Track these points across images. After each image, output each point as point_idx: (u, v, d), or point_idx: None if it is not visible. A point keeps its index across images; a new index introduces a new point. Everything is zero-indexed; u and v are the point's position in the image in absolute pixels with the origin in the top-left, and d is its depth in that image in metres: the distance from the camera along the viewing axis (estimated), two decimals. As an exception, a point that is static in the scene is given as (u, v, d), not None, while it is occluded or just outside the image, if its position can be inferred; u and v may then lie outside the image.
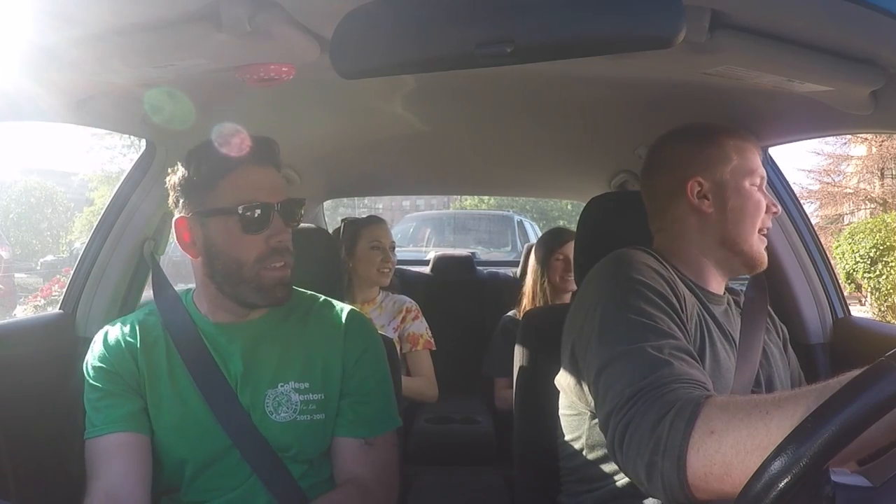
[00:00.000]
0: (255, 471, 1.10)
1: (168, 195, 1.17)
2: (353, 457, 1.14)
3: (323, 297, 1.26)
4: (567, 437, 1.19)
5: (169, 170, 1.17)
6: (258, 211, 1.09)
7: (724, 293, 1.21)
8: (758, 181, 1.16)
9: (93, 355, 1.14)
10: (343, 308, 1.24)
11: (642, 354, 0.90)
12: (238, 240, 1.09)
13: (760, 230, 1.15)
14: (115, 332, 1.16)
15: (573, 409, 1.17)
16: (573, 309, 1.12)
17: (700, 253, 1.17)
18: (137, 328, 1.15)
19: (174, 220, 1.14)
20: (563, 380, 1.16)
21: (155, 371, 1.12)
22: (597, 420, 1.05)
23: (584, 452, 1.15)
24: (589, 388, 1.03)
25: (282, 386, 1.13)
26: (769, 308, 1.28)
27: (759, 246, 1.15)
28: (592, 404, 1.03)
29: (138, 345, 1.13)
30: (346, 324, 1.20)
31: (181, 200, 1.13)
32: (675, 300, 1.03)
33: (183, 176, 1.12)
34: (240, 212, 1.08)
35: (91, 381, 1.12)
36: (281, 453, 1.11)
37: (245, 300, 1.13)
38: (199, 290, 1.19)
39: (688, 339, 0.99)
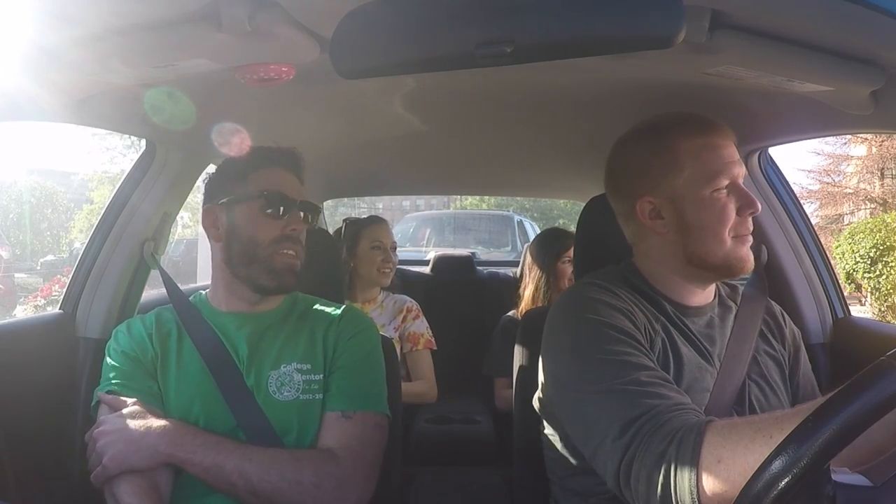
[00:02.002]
0: None
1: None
2: (329, 429, 1.17)
3: (322, 300, 1.35)
4: (548, 452, 1.19)
5: (205, 173, 1.31)
6: (279, 198, 1.22)
7: (713, 298, 1.14)
8: (724, 183, 1.02)
9: (115, 341, 1.24)
10: (341, 305, 1.33)
11: (621, 390, 0.89)
12: (257, 221, 1.22)
13: (737, 235, 1.03)
14: (136, 322, 1.27)
15: (547, 428, 1.16)
16: (542, 350, 1.09)
17: (670, 271, 1.09)
18: (154, 319, 1.26)
19: (203, 208, 1.28)
20: (537, 405, 1.16)
21: (166, 355, 1.21)
22: (569, 441, 1.05)
23: (563, 467, 1.14)
24: (564, 424, 1.02)
25: (284, 367, 1.20)
26: (781, 313, 1.22)
27: (734, 252, 1.03)
28: (563, 430, 1.04)
29: (154, 332, 1.24)
30: (342, 312, 1.30)
31: (212, 192, 1.28)
32: (635, 331, 0.99)
33: (219, 171, 1.29)
34: (264, 196, 1.22)
35: (110, 362, 1.21)
36: (283, 438, 1.15)
37: (257, 282, 1.22)
38: (215, 279, 1.29)
39: (656, 367, 0.96)
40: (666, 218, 1.05)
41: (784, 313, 1.23)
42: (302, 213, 1.25)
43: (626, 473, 0.85)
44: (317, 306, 1.32)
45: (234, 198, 1.23)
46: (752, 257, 1.06)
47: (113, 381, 1.18)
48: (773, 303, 1.25)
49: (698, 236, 1.03)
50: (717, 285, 1.17)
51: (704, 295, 1.13)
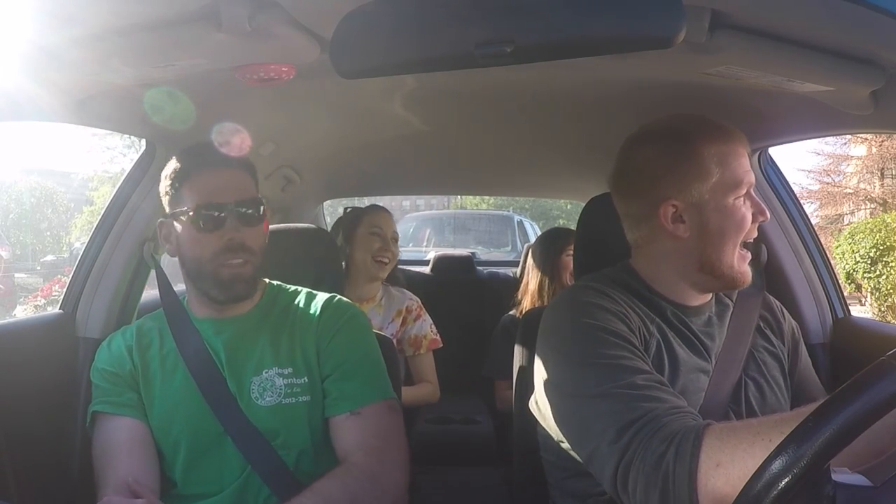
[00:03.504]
0: (248, 459, 1.13)
1: None
2: (342, 431, 1.17)
3: (306, 290, 1.31)
4: (545, 455, 1.19)
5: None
6: (211, 211, 1.16)
7: (710, 299, 1.14)
8: (744, 191, 1.03)
9: (97, 358, 1.23)
10: (323, 295, 1.29)
11: (617, 394, 0.89)
12: (195, 239, 1.18)
13: (743, 243, 1.05)
14: (116, 337, 1.26)
15: (544, 430, 1.16)
16: (537, 353, 1.09)
17: (677, 276, 1.09)
18: (135, 331, 1.25)
19: (157, 224, 1.26)
20: (534, 408, 1.16)
21: (148, 365, 1.20)
22: (565, 444, 1.05)
23: (560, 469, 1.14)
24: (559, 428, 1.02)
25: (266, 372, 1.18)
26: (780, 308, 1.22)
27: (739, 265, 1.05)
28: (559, 433, 1.04)
29: (134, 344, 1.22)
30: (322, 308, 1.25)
31: (162, 206, 1.24)
32: (630, 335, 0.99)
33: (162, 183, 1.23)
34: (192, 213, 1.16)
35: (95, 383, 1.21)
36: (271, 441, 1.15)
37: (209, 295, 1.20)
38: (186, 288, 1.27)
39: (651, 370, 0.96)
40: (687, 222, 1.04)
41: (783, 309, 1.23)
42: (244, 210, 1.17)
43: (623, 477, 0.85)
44: (299, 300, 1.28)
45: (173, 214, 1.20)
46: (749, 274, 1.08)
47: (98, 401, 1.18)
48: (771, 298, 1.25)
49: (717, 243, 1.03)
50: None
51: (704, 295, 1.13)
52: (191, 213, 1.16)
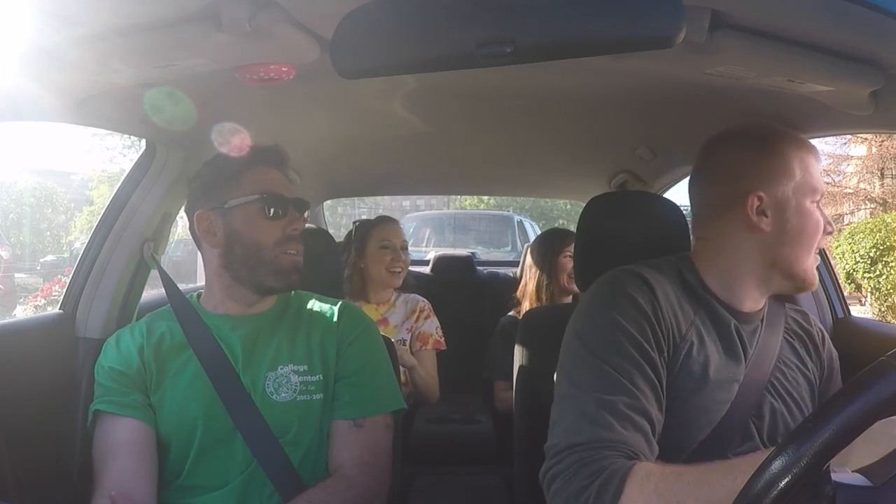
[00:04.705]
0: (255, 455, 1.14)
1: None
2: (342, 440, 1.20)
3: (315, 295, 1.35)
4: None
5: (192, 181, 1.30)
6: (277, 199, 1.22)
7: (763, 307, 1.11)
8: (818, 198, 1.07)
9: (103, 355, 1.23)
10: (336, 301, 1.32)
11: (589, 405, 0.92)
12: (259, 225, 1.21)
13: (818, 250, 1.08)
14: (125, 335, 1.25)
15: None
16: (570, 320, 1.08)
17: (745, 271, 1.08)
18: (145, 328, 1.25)
19: (195, 214, 1.24)
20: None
21: (160, 360, 1.20)
22: None
23: None
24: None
25: (281, 368, 1.20)
26: (820, 332, 1.18)
27: (812, 268, 1.07)
28: None
29: (144, 341, 1.22)
30: (339, 312, 1.29)
31: (202, 197, 1.25)
32: (650, 346, 0.98)
33: (205, 175, 1.26)
34: (262, 199, 1.21)
35: (99, 381, 1.20)
36: (280, 437, 1.16)
37: (262, 284, 1.22)
38: (210, 283, 1.28)
39: (659, 379, 0.97)
40: (769, 217, 1.06)
41: (825, 335, 1.19)
42: (300, 207, 1.26)
43: (548, 484, 0.90)
44: (312, 304, 1.31)
45: (230, 202, 1.21)
46: (817, 277, 1.10)
47: (101, 400, 1.18)
48: (814, 320, 1.21)
49: (794, 243, 1.05)
50: None
51: (760, 301, 1.11)
52: (262, 197, 1.20)
